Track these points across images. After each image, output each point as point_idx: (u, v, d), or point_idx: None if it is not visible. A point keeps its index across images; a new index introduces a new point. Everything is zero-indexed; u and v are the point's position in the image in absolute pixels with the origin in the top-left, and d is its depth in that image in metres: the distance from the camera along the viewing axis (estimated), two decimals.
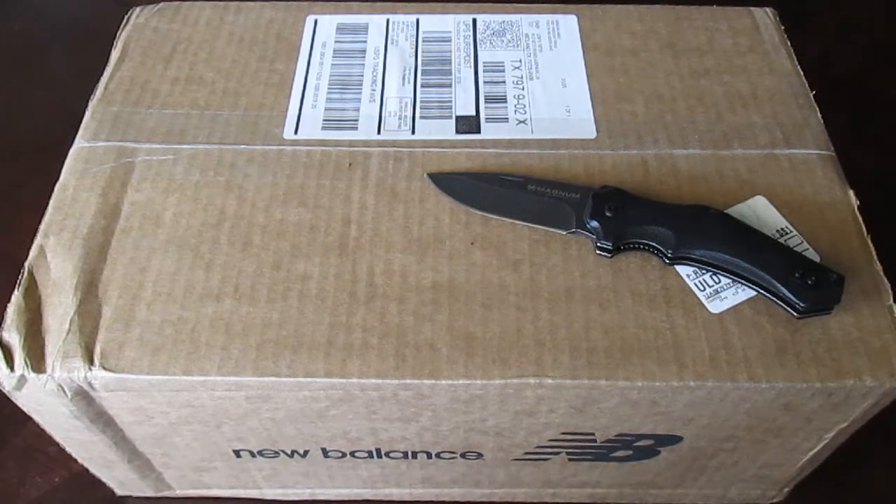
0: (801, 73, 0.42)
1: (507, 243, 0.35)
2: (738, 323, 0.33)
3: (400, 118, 0.40)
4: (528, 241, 0.35)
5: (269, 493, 0.44)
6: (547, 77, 0.42)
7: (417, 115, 0.40)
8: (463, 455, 0.39)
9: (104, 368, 0.31)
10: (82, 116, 0.40)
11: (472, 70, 0.42)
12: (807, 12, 0.71)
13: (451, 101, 0.41)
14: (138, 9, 0.45)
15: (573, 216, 0.35)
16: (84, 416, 0.34)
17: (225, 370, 0.31)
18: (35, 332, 0.32)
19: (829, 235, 0.35)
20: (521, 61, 0.43)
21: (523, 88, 0.41)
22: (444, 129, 0.39)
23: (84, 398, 0.33)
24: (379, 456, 0.39)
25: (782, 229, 0.35)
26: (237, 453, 0.39)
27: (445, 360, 0.32)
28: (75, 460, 0.40)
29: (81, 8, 0.72)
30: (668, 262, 0.34)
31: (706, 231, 0.33)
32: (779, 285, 0.32)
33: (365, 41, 0.44)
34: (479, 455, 0.39)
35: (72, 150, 0.38)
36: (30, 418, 0.35)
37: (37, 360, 0.31)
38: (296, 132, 0.39)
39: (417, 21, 0.45)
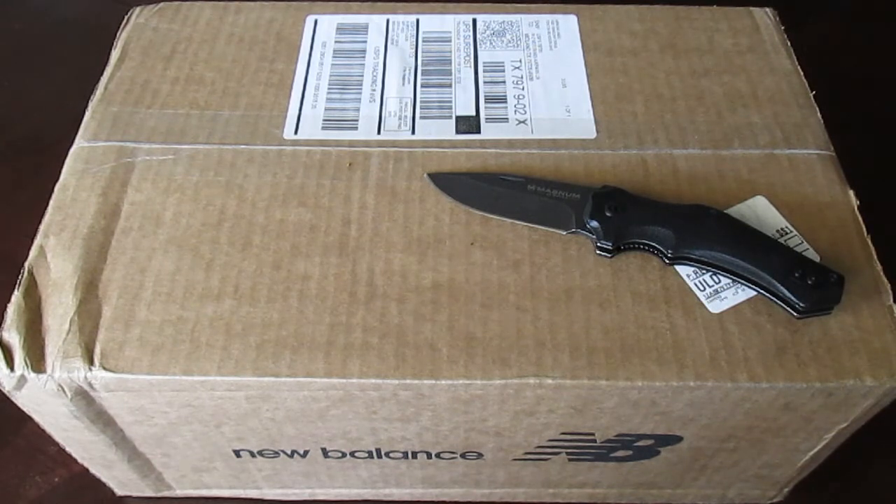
0: (801, 73, 0.42)
1: (507, 243, 0.35)
2: (738, 323, 0.33)
3: (400, 118, 0.40)
4: (528, 241, 0.35)
5: (269, 493, 0.44)
6: (547, 77, 0.42)
7: (417, 115, 0.40)
8: (463, 455, 0.39)
9: (104, 368, 0.31)
10: (82, 116, 0.40)
11: (472, 70, 0.42)
12: (807, 12, 0.71)
13: (451, 101, 0.41)
14: (138, 9, 0.45)
15: (573, 216, 0.35)
16: (84, 416, 0.34)
17: (225, 370, 0.31)
18: (35, 332, 0.32)
19: (829, 235, 0.35)
20: (521, 61, 0.43)
21: (523, 88, 0.41)
22: (444, 129, 0.39)
23: (84, 398, 0.33)
24: (379, 456, 0.39)
25: (782, 229, 0.35)
26: (237, 453, 0.39)
27: (445, 360, 0.32)
28: (75, 460, 0.40)
29: (81, 8, 0.72)
30: (668, 262, 0.34)
31: (706, 231, 0.33)
32: (779, 285, 0.32)
33: (365, 41, 0.44)
34: (479, 455, 0.39)
35: (72, 150, 0.38)
36: (30, 418, 0.35)
37: (37, 360, 0.31)
38: (296, 132, 0.39)
39: (417, 21, 0.45)
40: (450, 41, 0.44)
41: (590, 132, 0.39)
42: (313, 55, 0.43)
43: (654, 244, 0.34)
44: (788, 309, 0.32)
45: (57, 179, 0.37)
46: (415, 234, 0.35)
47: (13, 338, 0.32)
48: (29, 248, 0.34)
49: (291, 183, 0.37)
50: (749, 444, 0.37)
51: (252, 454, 0.39)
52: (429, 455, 0.39)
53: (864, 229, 0.36)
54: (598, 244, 0.34)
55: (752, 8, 0.46)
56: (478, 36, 0.44)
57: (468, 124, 0.40)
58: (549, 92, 0.41)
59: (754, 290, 0.33)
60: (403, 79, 0.42)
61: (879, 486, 0.46)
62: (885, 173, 0.59)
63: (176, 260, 0.34)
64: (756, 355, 0.32)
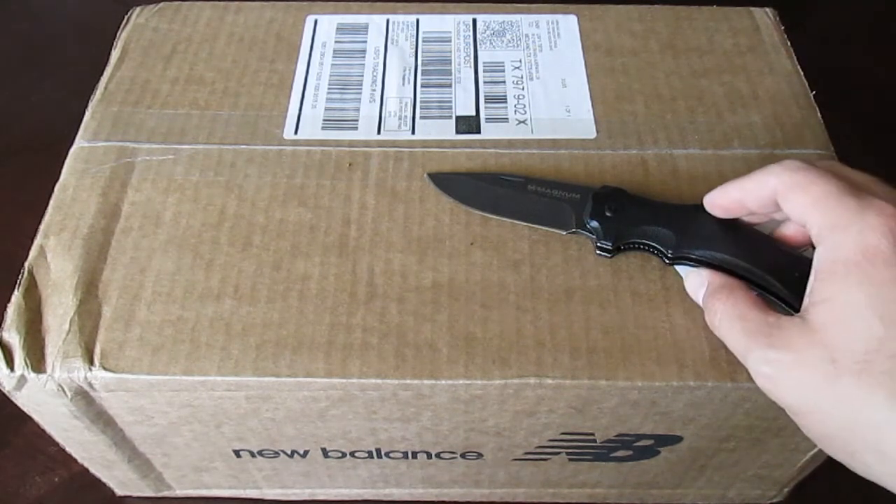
0: (801, 73, 0.42)
1: (507, 243, 0.35)
2: None
3: (400, 118, 0.40)
4: (528, 241, 0.35)
5: (269, 493, 0.44)
6: (547, 77, 0.42)
7: (417, 115, 0.40)
8: (463, 455, 0.39)
9: (104, 368, 0.31)
10: (82, 116, 0.40)
11: (472, 70, 0.42)
12: (807, 12, 0.71)
13: (451, 101, 0.41)
14: (138, 9, 0.45)
15: (573, 216, 0.35)
16: (84, 416, 0.34)
17: (225, 370, 0.31)
18: (35, 332, 0.32)
19: None
20: (521, 61, 0.43)
21: (523, 88, 0.41)
22: (444, 129, 0.39)
23: (84, 398, 0.33)
24: (379, 456, 0.39)
25: None
26: (237, 453, 0.39)
27: (445, 360, 0.32)
28: (75, 460, 0.40)
29: (81, 8, 0.72)
30: (668, 262, 0.34)
31: (706, 231, 0.33)
32: (779, 285, 0.32)
33: (365, 41, 0.44)
34: (479, 455, 0.39)
35: (72, 150, 0.38)
36: (30, 418, 0.35)
37: (37, 360, 0.31)
38: (296, 132, 0.39)
39: (417, 21, 0.45)
40: (450, 41, 0.44)
41: (590, 132, 0.39)
42: (313, 55, 0.43)
43: (654, 244, 0.34)
44: (788, 309, 0.32)
45: (57, 179, 0.37)
46: (415, 234, 0.35)
47: (13, 338, 0.32)
48: (29, 248, 0.34)
49: (291, 183, 0.37)
50: (749, 444, 0.37)
51: (252, 454, 0.39)
52: (429, 455, 0.39)
53: None
54: (598, 244, 0.34)
55: (752, 8, 0.46)
56: (478, 36, 0.44)
57: (468, 124, 0.40)
58: (549, 92, 0.41)
59: (754, 290, 0.33)
60: (403, 79, 0.42)
61: (879, 487, 0.46)
62: (886, 174, 0.59)
63: (176, 260, 0.34)
64: None
